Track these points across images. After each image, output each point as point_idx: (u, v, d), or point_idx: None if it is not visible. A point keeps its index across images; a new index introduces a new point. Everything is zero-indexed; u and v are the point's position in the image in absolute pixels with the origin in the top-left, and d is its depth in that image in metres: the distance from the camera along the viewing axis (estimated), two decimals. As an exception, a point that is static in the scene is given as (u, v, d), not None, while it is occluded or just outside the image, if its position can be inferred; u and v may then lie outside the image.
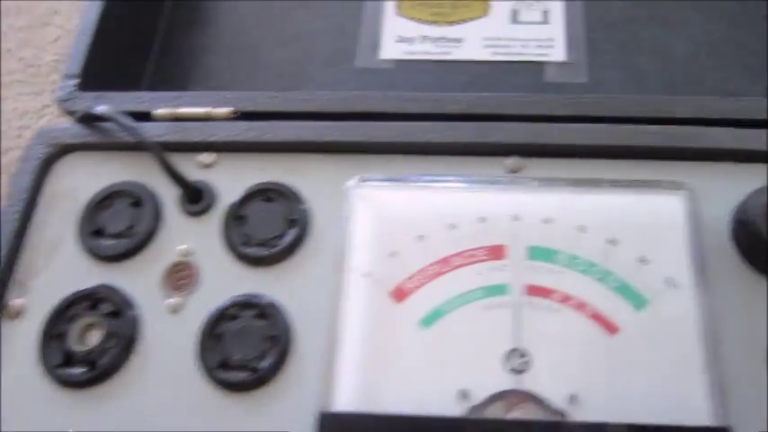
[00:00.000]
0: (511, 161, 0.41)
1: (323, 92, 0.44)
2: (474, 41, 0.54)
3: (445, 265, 0.38)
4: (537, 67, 0.53)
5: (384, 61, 0.54)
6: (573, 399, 0.35)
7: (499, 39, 0.54)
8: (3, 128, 0.67)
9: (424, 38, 0.55)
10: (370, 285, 0.38)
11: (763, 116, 0.42)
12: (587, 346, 0.36)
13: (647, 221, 0.39)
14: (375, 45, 0.54)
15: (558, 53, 0.53)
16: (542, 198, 0.40)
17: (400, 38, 0.55)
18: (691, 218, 0.38)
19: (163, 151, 0.41)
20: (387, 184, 0.40)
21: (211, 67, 0.56)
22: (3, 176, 0.62)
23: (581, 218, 0.39)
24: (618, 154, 0.41)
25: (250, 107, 0.44)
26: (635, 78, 0.52)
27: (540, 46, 0.53)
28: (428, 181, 0.40)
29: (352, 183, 0.40)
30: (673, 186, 0.39)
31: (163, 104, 0.44)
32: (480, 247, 0.39)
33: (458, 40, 0.54)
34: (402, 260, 0.38)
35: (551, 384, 0.35)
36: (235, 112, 0.44)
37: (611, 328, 0.36)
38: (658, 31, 0.53)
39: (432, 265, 0.38)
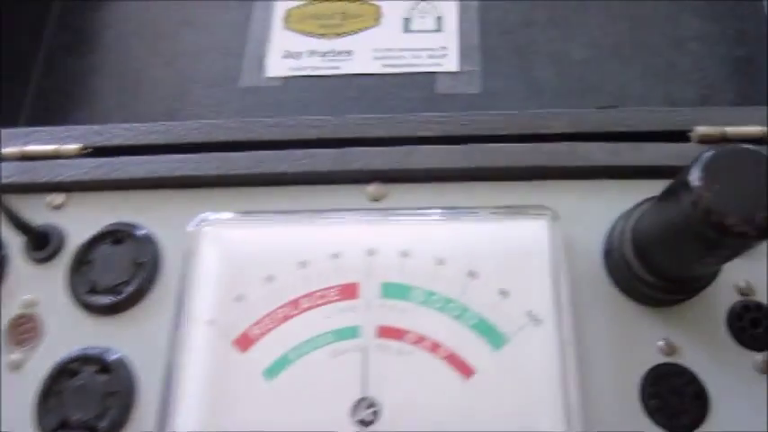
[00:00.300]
0: (372, 188, 0.39)
1: (176, 122, 0.41)
2: (364, 54, 0.51)
3: (294, 307, 0.36)
4: (429, 78, 0.50)
5: (270, 79, 0.51)
6: (421, 451, 0.32)
7: (390, 50, 0.51)
8: None
9: (312, 52, 0.52)
10: (213, 334, 0.35)
11: (641, 128, 0.39)
12: (441, 392, 0.34)
13: (510, 250, 0.36)
14: (261, 62, 0.52)
15: (450, 63, 0.50)
16: (400, 229, 0.37)
17: (287, 53, 0.52)
18: (556, 244, 0.36)
19: (5, 194, 0.39)
20: (234, 221, 0.38)
21: (96, 91, 0.53)
22: None
23: (440, 250, 0.36)
24: (486, 176, 0.38)
25: (100, 142, 0.41)
26: (531, 86, 0.49)
27: (432, 56, 0.51)
28: (279, 216, 0.38)
29: (195, 222, 0.38)
30: (537, 211, 0.36)
31: (12, 142, 0.42)
32: (332, 287, 0.36)
33: (347, 53, 0.51)
34: (248, 305, 0.36)
35: (400, 436, 0.33)
36: (85, 149, 0.41)
37: (466, 370, 0.34)
38: (556, 35, 0.50)
39: (280, 308, 0.36)
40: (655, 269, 0.33)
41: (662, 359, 0.35)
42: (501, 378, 0.34)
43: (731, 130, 0.37)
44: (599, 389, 0.34)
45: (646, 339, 0.35)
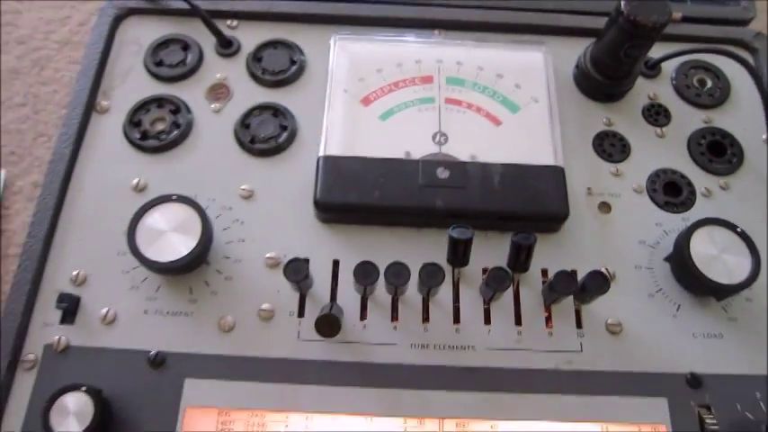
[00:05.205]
0: (437, 32, 0.65)
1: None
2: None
3: (395, 86, 0.61)
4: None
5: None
6: (473, 156, 0.58)
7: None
8: (31, 33, 0.85)
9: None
10: (347, 97, 0.60)
11: None
12: (482, 131, 0.59)
13: (523, 65, 0.63)
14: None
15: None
16: (455, 50, 0.63)
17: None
18: (547, 64, 0.63)
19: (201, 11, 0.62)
20: (357, 38, 0.63)
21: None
22: (33, 69, 0.80)
23: (480, 62, 0.62)
24: (489, 28, 0.65)
25: (262, -10, 0.65)
26: None
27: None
28: (384, 36, 0.63)
29: (335, 38, 0.62)
30: (538, 44, 0.63)
31: (200, -13, 0.64)
32: (416, 77, 0.61)
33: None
34: (367, 83, 0.61)
35: (460, 150, 0.58)
36: (251, -6, 0.65)
37: (496, 121, 0.60)
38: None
39: (386, 85, 0.61)
40: (601, 70, 0.60)
41: (604, 129, 0.62)
42: (516, 128, 0.60)
43: None
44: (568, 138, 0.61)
45: (593, 120, 0.62)
